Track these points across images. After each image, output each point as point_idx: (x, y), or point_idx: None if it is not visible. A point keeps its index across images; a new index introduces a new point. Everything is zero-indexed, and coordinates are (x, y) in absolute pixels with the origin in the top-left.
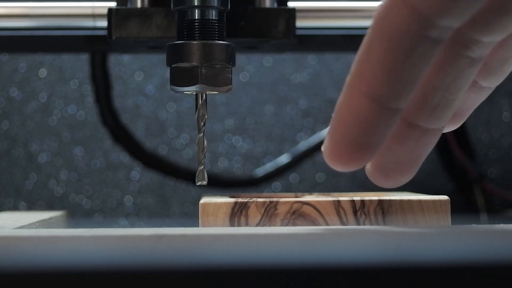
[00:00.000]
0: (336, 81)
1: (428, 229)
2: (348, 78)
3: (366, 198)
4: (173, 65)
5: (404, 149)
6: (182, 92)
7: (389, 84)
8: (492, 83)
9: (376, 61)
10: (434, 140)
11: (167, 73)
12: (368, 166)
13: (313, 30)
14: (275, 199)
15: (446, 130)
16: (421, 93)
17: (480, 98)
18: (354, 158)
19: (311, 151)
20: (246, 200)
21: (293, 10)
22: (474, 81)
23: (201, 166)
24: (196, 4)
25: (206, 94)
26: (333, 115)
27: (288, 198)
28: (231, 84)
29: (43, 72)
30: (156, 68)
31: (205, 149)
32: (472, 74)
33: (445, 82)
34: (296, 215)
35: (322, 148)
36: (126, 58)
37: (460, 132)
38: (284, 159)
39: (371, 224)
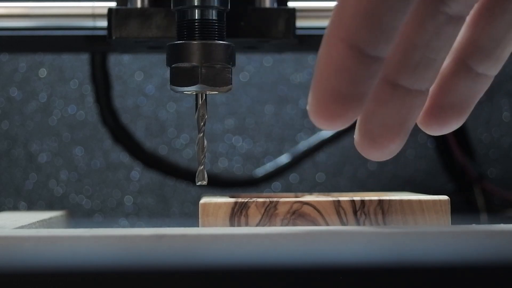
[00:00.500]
0: None
1: (428, 229)
2: (327, 28)
3: (366, 198)
4: (173, 65)
5: (389, 110)
6: (182, 92)
7: (366, 29)
8: (488, 70)
9: (352, 6)
10: (418, 103)
11: (167, 73)
12: (356, 136)
13: (313, 30)
14: (275, 199)
15: (449, 130)
16: (402, 51)
17: (478, 88)
18: (338, 112)
19: (311, 151)
20: (246, 200)
21: (293, 10)
22: (470, 67)
23: (201, 166)
24: (196, 4)
25: (206, 94)
26: (314, 68)
27: (288, 198)
28: (231, 84)
29: (43, 72)
30: (156, 68)
31: (205, 149)
32: (452, 34)
33: (424, 39)
34: (296, 215)
35: (307, 107)
36: (126, 58)
37: (460, 132)
38: (284, 159)
39: (371, 224)
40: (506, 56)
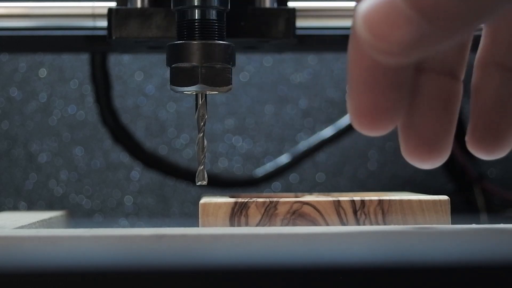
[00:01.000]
0: (336, 81)
1: (428, 229)
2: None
3: (366, 198)
4: (173, 65)
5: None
6: (182, 92)
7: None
8: None
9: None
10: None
11: (167, 73)
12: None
13: (313, 30)
14: (275, 199)
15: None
16: None
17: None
18: (382, 121)
19: (311, 151)
20: (246, 200)
21: (293, 10)
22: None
23: (201, 166)
24: (196, 4)
25: (206, 94)
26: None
27: (288, 198)
28: (231, 84)
29: (43, 72)
30: (156, 68)
31: (205, 149)
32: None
33: None
34: (296, 215)
35: (349, 118)
36: (126, 58)
37: (460, 132)
38: (284, 159)
39: (371, 224)
40: None
